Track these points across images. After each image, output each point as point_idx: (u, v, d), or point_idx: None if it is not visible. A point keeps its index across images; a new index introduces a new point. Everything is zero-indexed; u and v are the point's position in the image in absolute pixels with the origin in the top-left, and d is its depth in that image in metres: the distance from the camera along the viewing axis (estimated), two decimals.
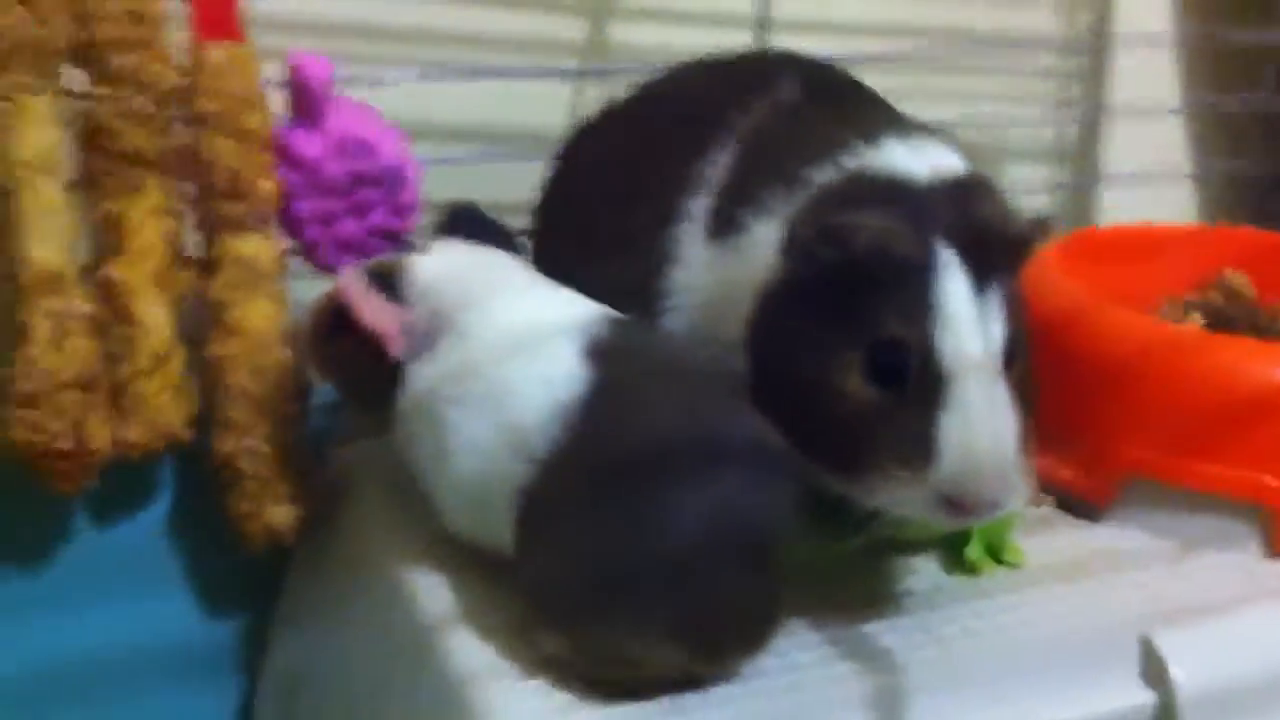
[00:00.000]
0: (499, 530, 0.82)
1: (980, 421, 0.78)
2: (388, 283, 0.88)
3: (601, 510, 0.75)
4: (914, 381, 0.79)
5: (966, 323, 0.79)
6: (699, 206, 0.92)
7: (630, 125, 1.02)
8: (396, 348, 0.86)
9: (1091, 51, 1.45)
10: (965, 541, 0.91)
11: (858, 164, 0.85)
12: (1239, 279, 1.17)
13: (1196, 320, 1.12)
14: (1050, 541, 0.96)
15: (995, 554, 0.92)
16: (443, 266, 0.89)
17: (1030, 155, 1.46)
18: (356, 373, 0.90)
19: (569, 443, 0.78)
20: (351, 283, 0.86)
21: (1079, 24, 1.44)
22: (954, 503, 0.78)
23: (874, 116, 0.92)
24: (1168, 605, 0.89)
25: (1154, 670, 0.84)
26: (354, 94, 1.01)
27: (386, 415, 0.89)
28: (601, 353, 0.81)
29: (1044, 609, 0.88)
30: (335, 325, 0.89)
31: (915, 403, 0.78)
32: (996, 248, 0.81)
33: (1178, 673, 0.83)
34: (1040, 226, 0.84)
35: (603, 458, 0.77)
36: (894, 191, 0.82)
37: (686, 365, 0.83)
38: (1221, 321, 1.13)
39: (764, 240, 0.86)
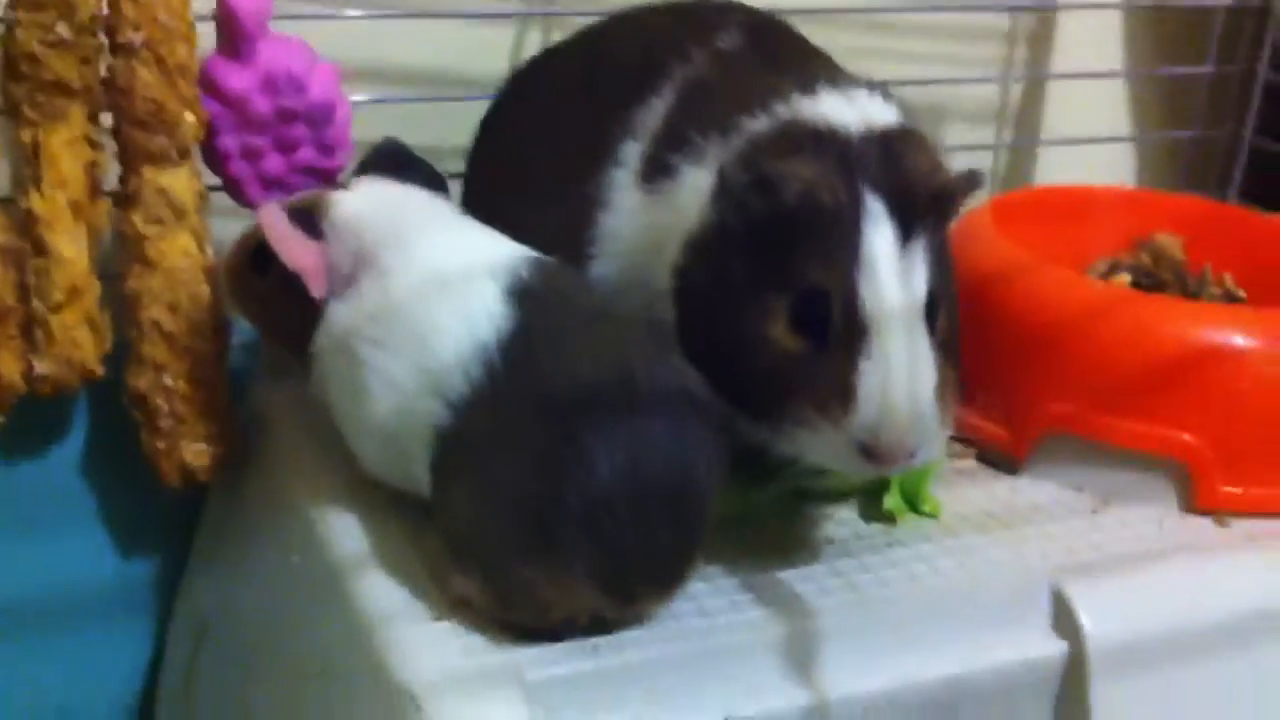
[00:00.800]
0: (414, 472, 0.81)
1: (898, 371, 0.78)
2: (310, 220, 0.86)
3: (520, 452, 0.75)
4: (835, 331, 0.79)
5: (889, 273, 0.79)
6: (633, 152, 0.91)
7: (569, 70, 1.02)
8: (317, 286, 0.85)
9: (1036, 15, 1.45)
10: (883, 491, 0.92)
11: (792, 113, 0.85)
12: (1170, 241, 1.18)
13: (1124, 280, 1.13)
14: (968, 493, 0.96)
15: (913, 504, 0.93)
16: (366, 204, 0.88)
17: (973, 116, 1.46)
18: (276, 311, 0.89)
19: (488, 383, 0.77)
20: (273, 219, 0.85)
21: None
22: (871, 451, 0.79)
23: (812, 68, 0.92)
24: (1081, 558, 0.90)
25: (1065, 620, 0.86)
26: (293, 31, 1.00)
27: (306, 354, 0.88)
28: (524, 294, 0.81)
29: (959, 559, 0.88)
30: (256, 262, 0.88)
31: (836, 352, 0.79)
32: (924, 200, 0.81)
33: (1088, 623, 0.85)
34: (969, 180, 0.84)
35: (522, 399, 0.76)
36: (825, 142, 0.82)
37: (610, 310, 0.83)
38: (1150, 283, 1.14)
39: (695, 187, 0.86)
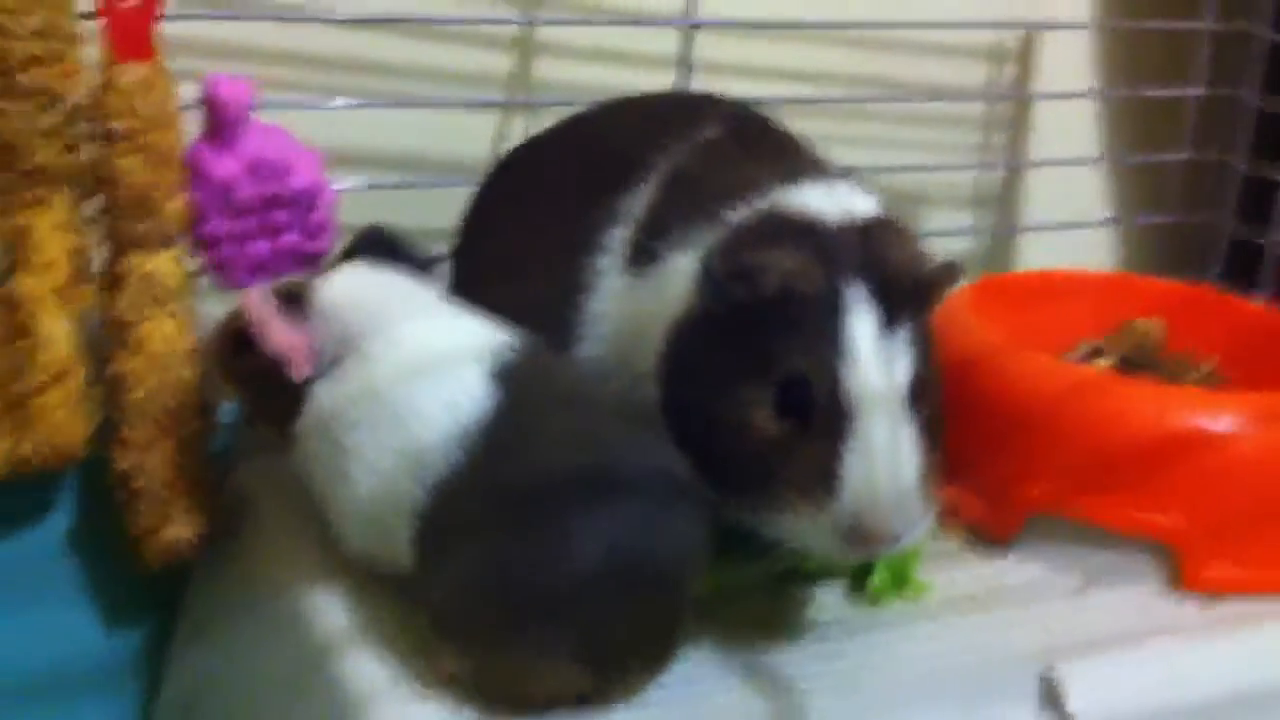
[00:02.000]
0: (396, 550, 0.81)
1: (882, 456, 0.79)
2: (294, 303, 0.87)
3: (507, 532, 0.75)
4: (819, 416, 0.80)
5: (871, 360, 0.80)
6: (618, 238, 0.93)
7: (557, 156, 1.04)
8: (300, 370, 0.86)
9: (1014, 102, 1.47)
10: (869, 573, 0.91)
11: (774, 204, 0.87)
12: (1149, 325, 1.19)
13: (1107, 364, 1.14)
14: (955, 575, 0.96)
15: (899, 586, 0.92)
16: (349, 289, 0.89)
17: (953, 202, 1.48)
18: (261, 392, 0.89)
19: (471, 465, 0.78)
20: (257, 302, 0.86)
21: (1002, 76, 1.46)
22: (855, 536, 0.79)
23: (794, 160, 0.94)
24: (1068, 639, 0.89)
25: (1052, 703, 0.85)
26: (279, 120, 1.01)
27: (289, 434, 0.88)
28: (507, 377, 0.81)
29: (945, 641, 0.88)
30: (241, 343, 0.88)
31: (820, 437, 0.79)
32: (904, 288, 0.83)
33: (1076, 705, 0.84)
34: (949, 270, 0.86)
35: (508, 480, 0.76)
36: (806, 231, 0.84)
37: (593, 393, 0.83)
38: (1131, 367, 1.15)
39: (679, 273, 0.87)
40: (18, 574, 1.07)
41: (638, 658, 0.77)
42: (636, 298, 0.91)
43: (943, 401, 0.87)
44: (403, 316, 0.87)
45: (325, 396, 0.85)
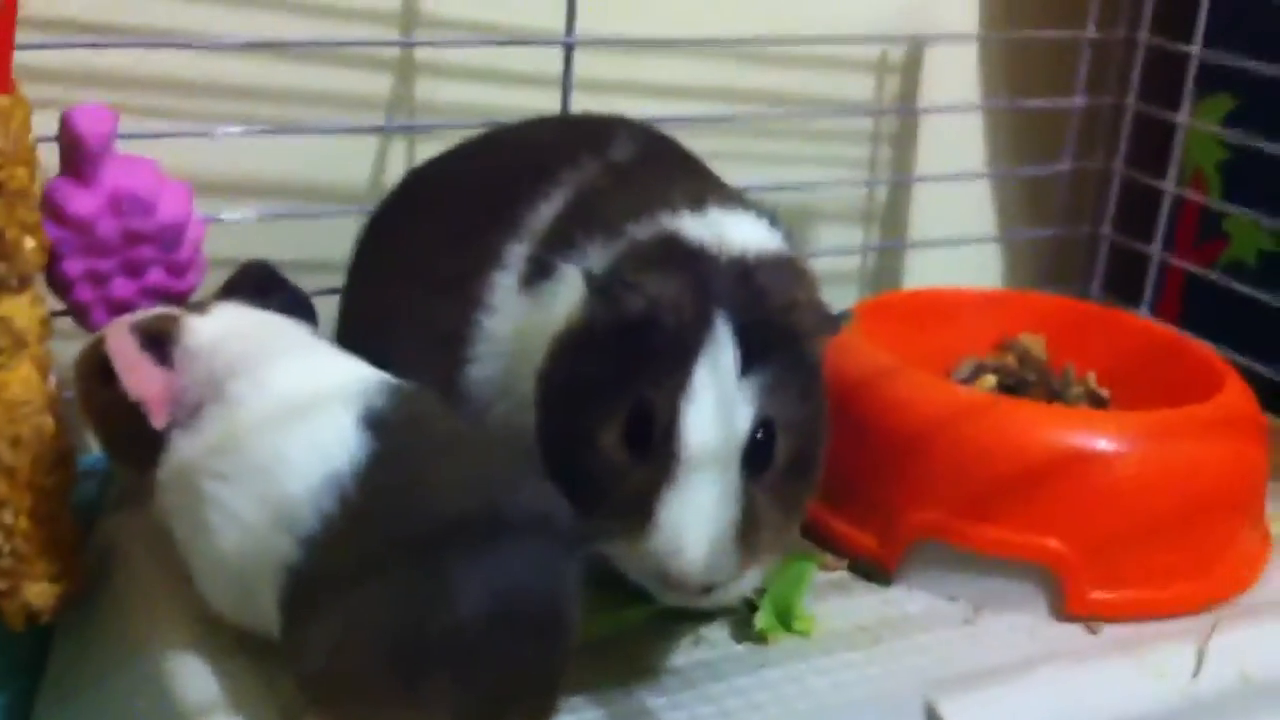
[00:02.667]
0: (261, 609, 0.78)
1: (696, 506, 0.78)
2: (159, 343, 0.83)
3: (379, 587, 0.72)
4: (655, 450, 0.79)
5: (714, 404, 0.79)
6: (517, 254, 0.92)
7: (460, 175, 1.02)
8: (159, 417, 0.82)
9: (900, 116, 1.48)
10: (754, 609, 0.90)
11: (675, 228, 0.86)
12: (1033, 341, 1.20)
13: (990, 381, 1.14)
14: (841, 606, 0.95)
15: (785, 622, 0.91)
16: (218, 330, 0.85)
17: (840, 217, 1.47)
18: (119, 426, 0.85)
19: (344, 516, 0.75)
20: (119, 340, 0.82)
21: (888, 90, 1.46)
22: (664, 579, 0.78)
23: (701, 185, 0.93)
24: (954, 669, 0.89)
25: None
26: (149, 150, 0.97)
27: (147, 474, 0.84)
28: (379, 422, 0.78)
29: (832, 677, 0.87)
30: (102, 372, 0.84)
31: (652, 471, 0.78)
32: (773, 332, 0.81)
33: None
34: (829, 320, 0.84)
35: (382, 531, 0.73)
36: (692, 260, 0.83)
37: (469, 434, 0.81)
38: (1014, 384, 1.15)
39: (570, 288, 0.86)
40: None
41: (520, 709, 0.75)
42: (529, 315, 0.89)
43: (820, 445, 0.86)
44: (270, 360, 0.83)
45: (186, 445, 0.81)
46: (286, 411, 0.80)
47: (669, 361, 0.79)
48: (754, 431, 0.80)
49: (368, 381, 0.82)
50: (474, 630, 0.71)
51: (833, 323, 0.85)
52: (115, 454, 0.90)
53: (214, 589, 0.82)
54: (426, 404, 0.83)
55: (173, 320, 0.85)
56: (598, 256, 0.86)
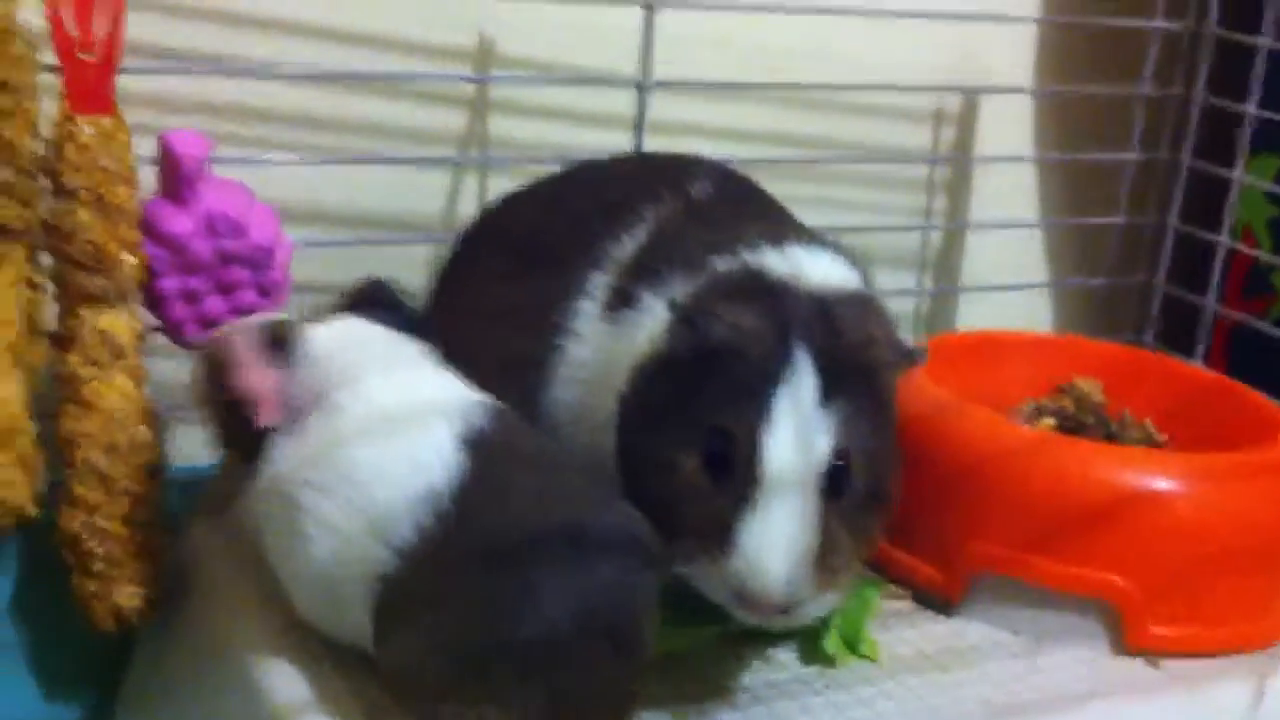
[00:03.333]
0: (351, 618, 0.80)
1: (775, 529, 0.80)
2: (277, 346, 0.85)
3: (470, 593, 0.75)
4: (736, 476, 0.81)
5: (793, 432, 0.81)
6: (600, 283, 0.95)
7: (539, 209, 1.05)
8: (267, 416, 0.84)
9: (955, 164, 1.50)
10: (822, 632, 0.92)
11: (757, 260, 0.89)
12: (1090, 385, 1.21)
13: (1048, 424, 1.16)
14: (905, 634, 0.97)
15: (852, 646, 0.93)
16: (333, 340, 0.87)
17: (895, 262, 1.50)
18: (232, 426, 0.86)
19: (438, 530, 0.77)
20: (240, 336, 0.84)
21: (944, 139, 1.49)
22: (742, 599, 0.81)
23: (780, 223, 0.97)
24: (1017, 700, 0.90)
25: None
26: (233, 175, 1.01)
27: (238, 487, 0.87)
28: (477, 441, 0.81)
29: (898, 702, 0.89)
30: (221, 370, 0.85)
31: (730, 495, 0.81)
32: (850, 367, 0.84)
33: None
34: (906, 355, 0.87)
35: (473, 543, 0.76)
36: (772, 293, 0.85)
37: (557, 457, 0.84)
38: (1072, 426, 1.17)
39: (653, 317, 0.89)
40: None
41: (597, 718, 0.77)
42: (610, 342, 0.92)
43: (892, 475, 0.88)
44: (376, 373, 0.85)
45: (287, 452, 0.84)
46: (387, 423, 0.82)
47: (750, 390, 0.82)
48: (831, 459, 0.82)
49: (467, 400, 0.85)
50: (557, 640, 0.73)
51: (907, 358, 0.87)
52: (229, 449, 0.90)
53: (304, 597, 0.84)
54: (518, 427, 0.85)
55: (292, 326, 0.87)
56: (680, 288, 0.89)
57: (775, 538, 0.80)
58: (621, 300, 0.92)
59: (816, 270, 0.88)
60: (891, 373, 0.87)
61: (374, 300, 0.92)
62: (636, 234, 0.95)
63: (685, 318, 0.84)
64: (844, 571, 0.84)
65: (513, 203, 1.07)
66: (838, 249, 0.93)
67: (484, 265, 1.03)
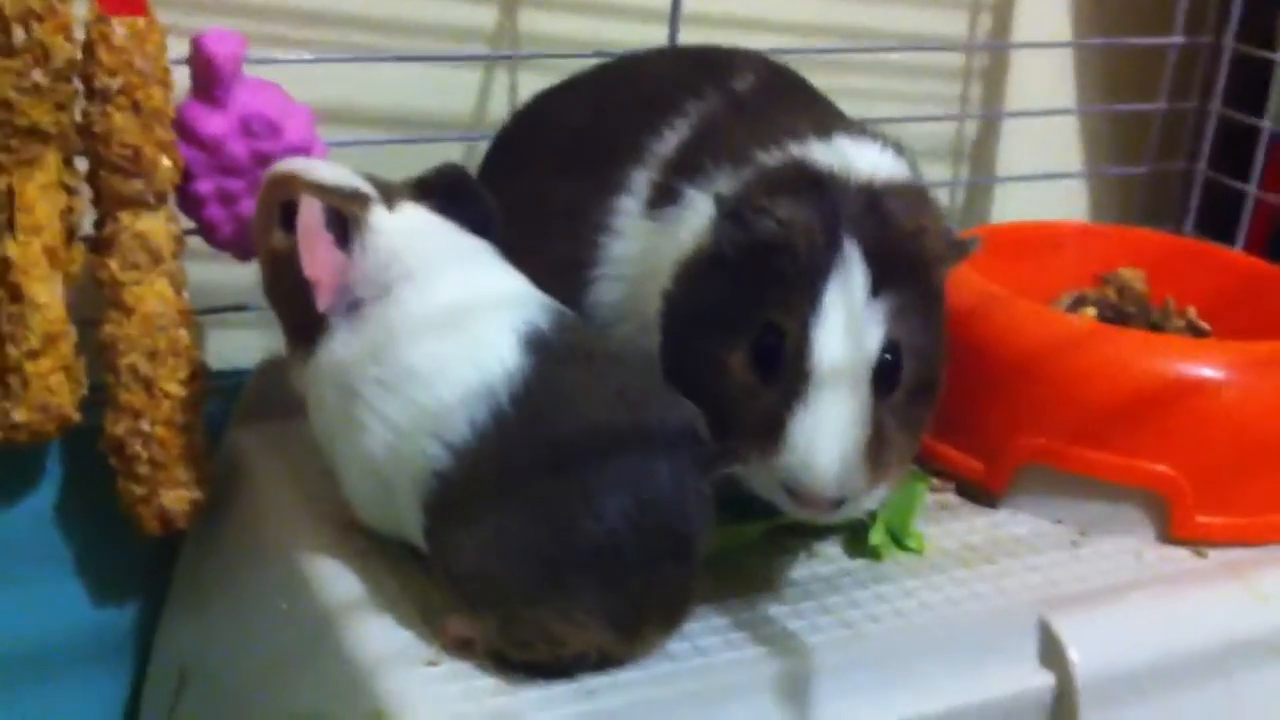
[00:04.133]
0: (401, 511, 0.81)
1: (827, 424, 0.79)
2: (344, 225, 0.83)
3: (530, 497, 0.75)
4: (785, 371, 0.80)
5: (843, 327, 0.80)
6: (642, 180, 0.93)
7: (579, 105, 1.03)
8: (324, 300, 0.82)
9: (991, 53, 1.48)
10: (869, 526, 0.92)
11: (803, 154, 0.87)
12: (1134, 275, 1.20)
13: (1090, 314, 1.15)
14: (950, 527, 0.97)
15: (898, 540, 0.93)
16: (400, 231, 0.85)
17: (930, 154, 1.48)
18: (286, 279, 0.84)
19: (495, 428, 0.77)
20: (308, 209, 0.81)
21: (980, 27, 1.46)
22: (793, 493, 0.80)
23: (825, 114, 0.95)
24: (1065, 590, 0.91)
25: (1052, 652, 0.86)
26: (261, 74, 0.99)
27: (296, 345, 0.86)
28: (536, 342, 0.80)
29: (945, 593, 0.89)
30: (285, 214, 0.84)
31: (781, 391, 0.80)
32: (901, 259, 0.82)
33: (1075, 654, 0.86)
34: (955, 247, 0.86)
35: (532, 442, 0.76)
36: (822, 186, 0.84)
37: (615, 354, 0.83)
38: (1115, 316, 1.16)
39: (697, 213, 0.88)
40: (6, 544, 1.06)
41: (658, 615, 0.78)
42: (654, 239, 0.91)
43: (941, 369, 0.87)
44: (440, 268, 0.84)
45: (347, 340, 0.83)
46: (448, 320, 0.82)
47: (799, 284, 0.81)
48: (882, 352, 0.81)
49: (528, 299, 0.84)
50: (618, 537, 0.74)
51: (959, 249, 0.86)
52: (275, 302, 0.89)
53: (355, 484, 0.84)
54: (577, 324, 0.85)
55: (363, 205, 0.84)
56: (725, 183, 0.87)
57: (827, 432, 0.79)
58: (665, 196, 0.91)
59: (865, 161, 0.86)
60: (943, 265, 0.86)
61: (453, 189, 0.90)
62: (679, 128, 0.94)
63: (732, 212, 0.82)
64: (895, 465, 0.83)
65: (549, 100, 1.05)
66: (885, 140, 0.91)
67: (523, 165, 1.02)
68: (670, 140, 0.93)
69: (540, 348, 0.80)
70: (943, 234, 0.86)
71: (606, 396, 0.78)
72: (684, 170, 0.91)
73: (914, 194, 0.87)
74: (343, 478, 0.85)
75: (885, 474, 0.82)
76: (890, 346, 0.82)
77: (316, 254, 0.81)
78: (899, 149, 0.91)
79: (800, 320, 0.80)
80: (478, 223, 0.89)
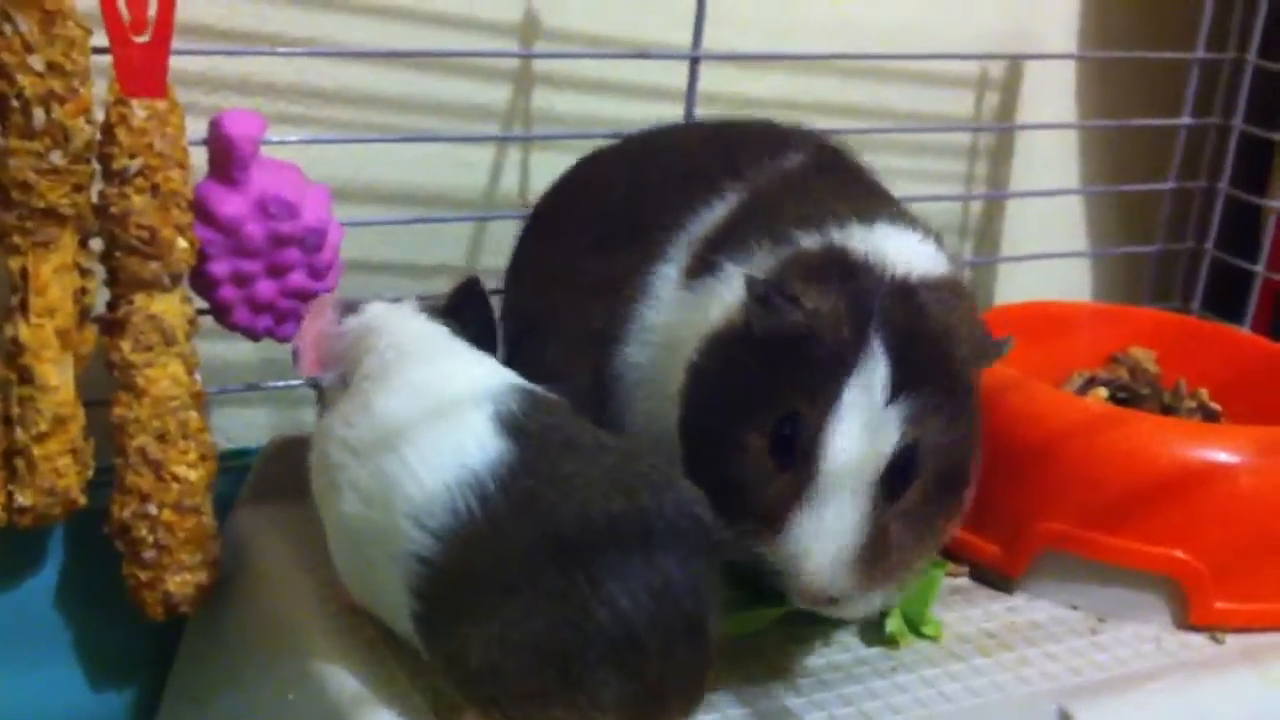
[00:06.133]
0: (382, 588, 0.80)
1: (825, 522, 0.79)
2: (346, 313, 0.90)
3: (537, 591, 0.74)
4: (799, 461, 0.80)
5: (860, 425, 0.79)
6: (683, 249, 0.93)
7: (625, 174, 1.03)
8: (301, 368, 0.88)
9: (998, 133, 1.48)
10: (885, 613, 0.91)
11: (843, 239, 0.86)
12: (1145, 355, 1.20)
13: (1102, 394, 1.15)
14: (967, 612, 0.97)
15: (914, 627, 0.92)
16: (387, 319, 0.89)
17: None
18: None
19: (483, 516, 0.76)
20: (322, 298, 0.92)
21: (986, 106, 1.47)
22: (793, 585, 0.80)
23: (871, 200, 0.93)
24: (1084, 678, 0.90)
25: None
26: (278, 154, 0.99)
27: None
28: (515, 425, 0.80)
29: (964, 682, 0.88)
30: None
31: (793, 481, 0.80)
32: (932, 358, 0.82)
33: None
34: (991, 349, 0.85)
35: (529, 535, 0.75)
36: (854, 277, 0.83)
37: (606, 439, 0.82)
38: (1128, 397, 1.15)
39: (730, 288, 0.87)
40: (8, 626, 1.05)
41: (676, 704, 0.77)
42: (686, 310, 0.91)
43: (967, 470, 0.86)
44: (414, 359, 0.86)
45: (333, 408, 0.86)
46: (423, 408, 0.82)
47: (821, 377, 0.80)
48: (896, 456, 0.80)
49: (501, 384, 0.83)
50: (631, 625, 0.73)
51: (991, 350, 0.85)
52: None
53: (338, 551, 0.85)
54: (560, 410, 0.84)
55: (363, 302, 0.91)
56: (763, 260, 0.87)
57: (826, 532, 0.79)
58: (703, 268, 0.91)
59: (902, 252, 0.85)
60: (973, 365, 0.84)
61: (471, 298, 0.92)
62: (726, 201, 0.94)
63: (762, 296, 0.81)
64: (899, 570, 0.82)
65: (592, 168, 1.05)
66: (928, 230, 0.90)
67: (565, 233, 1.02)
68: (717, 213, 0.93)
69: (524, 433, 0.79)
70: (975, 334, 0.84)
71: (604, 481, 0.77)
72: (725, 243, 0.90)
73: (949, 289, 0.85)
74: (330, 545, 0.86)
75: (886, 578, 0.81)
76: (906, 450, 0.80)
77: (307, 327, 0.89)
78: (939, 239, 0.90)
79: (818, 414, 0.79)
80: (483, 329, 0.91)
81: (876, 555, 0.79)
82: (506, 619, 0.74)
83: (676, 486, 0.79)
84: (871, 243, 0.85)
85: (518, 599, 0.74)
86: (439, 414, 0.81)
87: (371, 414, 0.82)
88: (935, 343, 0.82)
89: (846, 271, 0.83)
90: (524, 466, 0.77)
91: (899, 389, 0.80)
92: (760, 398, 0.82)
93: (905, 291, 0.82)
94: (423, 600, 0.78)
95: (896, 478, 0.80)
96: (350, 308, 0.90)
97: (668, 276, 0.93)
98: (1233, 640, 0.95)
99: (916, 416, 0.80)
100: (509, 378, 0.85)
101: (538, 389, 0.84)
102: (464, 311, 0.91)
